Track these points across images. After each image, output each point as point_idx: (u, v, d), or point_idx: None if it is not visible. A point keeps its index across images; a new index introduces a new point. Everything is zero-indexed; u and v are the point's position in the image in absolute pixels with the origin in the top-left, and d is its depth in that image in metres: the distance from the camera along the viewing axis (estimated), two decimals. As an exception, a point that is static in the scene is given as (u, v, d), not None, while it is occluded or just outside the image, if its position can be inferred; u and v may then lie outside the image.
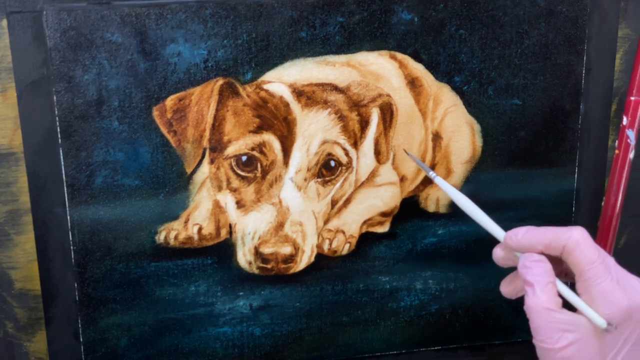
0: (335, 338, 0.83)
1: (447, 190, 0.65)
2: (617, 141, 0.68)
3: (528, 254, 0.60)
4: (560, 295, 0.59)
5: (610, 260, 0.59)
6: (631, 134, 0.67)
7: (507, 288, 0.64)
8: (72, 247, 0.74)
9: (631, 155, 0.68)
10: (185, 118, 0.73)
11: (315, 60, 0.74)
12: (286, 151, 0.76)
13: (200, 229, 0.76)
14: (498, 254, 0.63)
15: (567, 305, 0.59)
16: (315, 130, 0.76)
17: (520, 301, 0.59)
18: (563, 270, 0.62)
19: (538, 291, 0.58)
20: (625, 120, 0.67)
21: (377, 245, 0.81)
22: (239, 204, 0.77)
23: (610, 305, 0.57)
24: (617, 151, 0.68)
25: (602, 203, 0.70)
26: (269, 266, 0.78)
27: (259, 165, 0.76)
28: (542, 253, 0.60)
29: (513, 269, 0.63)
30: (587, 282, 0.58)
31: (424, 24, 0.75)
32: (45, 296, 0.76)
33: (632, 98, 0.67)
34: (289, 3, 0.72)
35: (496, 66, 0.78)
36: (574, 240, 0.58)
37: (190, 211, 0.76)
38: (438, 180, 0.65)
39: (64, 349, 0.77)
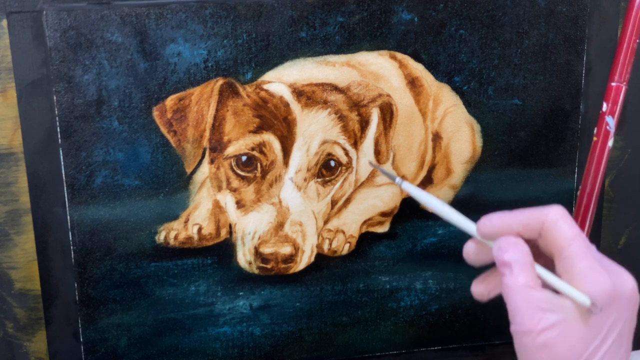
0: (335, 338, 0.83)
1: (415, 194, 0.61)
2: (595, 128, 0.66)
3: (504, 237, 0.56)
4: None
5: (591, 244, 0.55)
6: (611, 121, 0.66)
7: (479, 287, 0.59)
8: (72, 247, 0.74)
9: (610, 142, 0.66)
10: (185, 118, 0.73)
11: (315, 60, 0.74)
12: (286, 151, 0.76)
13: (200, 229, 0.76)
14: (470, 248, 0.59)
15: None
16: (315, 130, 0.76)
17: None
18: (541, 258, 0.57)
19: (516, 270, 0.53)
20: (605, 107, 0.65)
21: (377, 245, 0.81)
22: (239, 204, 0.77)
23: (593, 284, 0.52)
24: (595, 138, 0.66)
25: (578, 192, 0.68)
26: (269, 266, 0.78)
27: (258, 165, 0.76)
28: (521, 236, 0.56)
29: (486, 268, 0.60)
30: (567, 259, 0.53)
31: (424, 24, 0.75)
32: (45, 296, 0.76)
33: (613, 84, 0.65)
34: (289, 3, 0.72)
35: (496, 66, 0.78)
36: (552, 217, 0.54)
37: (190, 211, 0.76)
38: (405, 185, 0.62)
39: (64, 349, 0.77)
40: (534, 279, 0.54)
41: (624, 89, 0.65)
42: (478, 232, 0.57)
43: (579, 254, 0.53)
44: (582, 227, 0.68)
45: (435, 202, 0.61)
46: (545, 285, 0.54)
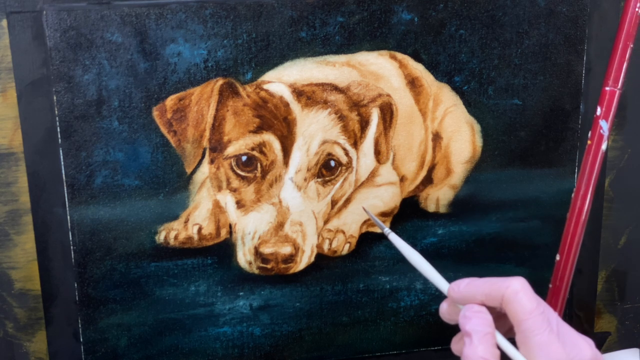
0: (335, 338, 0.83)
1: (400, 246, 0.64)
2: (590, 132, 0.66)
3: (469, 305, 0.58)
4: (500, 349, 0.57)
5: (552, 314, 0.57)
6: (604, 125, 0.66)
7: (457, 345, 0.61)
8: (72, 247, 0.74)
9: (604, 146, 0.66)
10: (185, 118, 0.73)
11: (315, 60, 0.74)
12: (286, 151, 0.76)
13: (200, 229, 0.76)
14: (443, 308, 0.61)
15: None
16: (315, 130, 0.76)
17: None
18: (508, 327, 0.59)
19: (475, 341, 0.56)
20: (599, 111, 0.66)
21: (377, 245, 0.81)
22: (239, 204, 0.77)
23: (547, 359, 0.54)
24: (589, 142, 0.67)
25: (572, 195, 0.68)
26: (269, 266, 0.78)
27: (258, 165, 0.76)
28: (485, 305, 0.58)
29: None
30: (524, 333, 0.55)
31: (424, 24, 0.75)
32: (45, 296, 0.76)
33: (607, 88, 0.66)
34: (289, 3, 0.72)
35: (496, 66, 0.78)
36: (513, 289, 0.56)
37: (190, 211, 0.76)
38: (392, 237, 0.65)
39: (64, 349, 0.77)
40: (492, 351, 0.55)
41: (617, 93, 0.66)
42: (450, 296, 0.60)
43: (535, 328, 0.55)
44: (575, 228, 0.69)
45: (417, 258, 0.63)
46: (505, 357, 0.56)
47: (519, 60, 0.78)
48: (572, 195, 0.69)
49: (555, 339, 0.55)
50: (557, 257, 0.70)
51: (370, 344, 0.84)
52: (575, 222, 0.68)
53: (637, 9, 0.65)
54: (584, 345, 0.56)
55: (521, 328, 0.55)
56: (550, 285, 0.71)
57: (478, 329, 0.56)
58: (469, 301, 0.58)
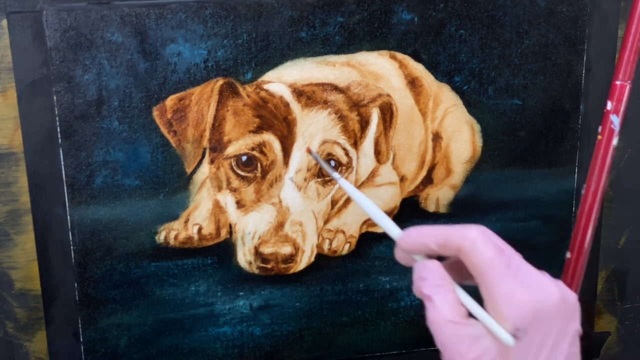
0: (335, 338, 0.83)
1: (349, 191, 0.61)
2: (600, 127, 0.65)
3: (422, 264, 0.55)
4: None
5: (514, 258, 0.53)
6: (615, 119, 0.65)
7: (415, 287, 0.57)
8: (72, 247, 0.74)
9: (614, 141, 0.65)
10: (185, 118, 0.73)
11: (315, 60, 0.74)
12: (286, 151, 0.76)
13: (200, 229, 0.76)
14: (397, 255, 0.58)
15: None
16: (315, 130, 0.76)
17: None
18: (467, 275, 0.55)
19: (438, 304, 0.53)
20: (609, 105, 0.65)
21: (377, 245, 0.81)
22: (239, 204, 0.77)
23: (513, 309, 0.51)
24: (599, 137, 0.66)
25: (583, 190, 0.67)
26: (269, 266, 0.78)
27: (259, 165, 0.76)
28: (440, 256, 0.55)
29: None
30: (487, 284, 0.52)
31: (424, 24, 0.75)
32: (45, 296, 0.76)
33: (618, 82, 0.65)
34: (289, 3, 0.72)
35: (496, 66, 0.78)
36: (470, 240, 0.52)
37: (190, 211, 0.76)
38: (342, 182, 0.61)
39: (64, 349, 0.77)
40: (457, 310, 0.53)
41: (628, 87, 0.65)
42: (399, 247, 0.57)
43: (496, 278, 0.52)
44: (586, 226, 0.67)
45: (367, 203, 0.60)
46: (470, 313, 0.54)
47: (519, 60, 0.78)
48: (583, 191, 0.67)
49: (520, 285, 0.52)
50: (568, 255, 0.68)
51: (370, 344, 0.84)
52: (586, 219, 0.67)
53: None
54: (551, 287, 0.53)
55: (483, 280, 0.52)
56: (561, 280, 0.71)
57: (437, 289, 0.53)
58: (422, 252, 0.55)
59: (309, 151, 0.72)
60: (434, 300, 0.53)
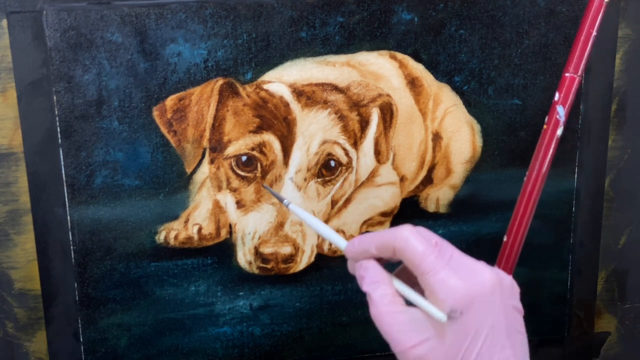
0: (335, 338, 0.83)
1: (300, 215, 0.64)
2: (547, 117, 0.67)
3: (359, 264, 0.59)
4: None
5: (447, 249, 0.57)
6: (561, 110, 0.67)
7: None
8: (72, 247, 0.74)
9: (559, 132, 0.67)
10: (185, 118, 0.73)
11: (315, 60, 0.74)
12: (286, 151, 0.76)
13: (200, 229, 0.76)
14: (349, 266, 0.62)
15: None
16: (315, 130, 0.76)
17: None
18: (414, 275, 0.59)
19: (375, 298, 0.57)
20: (557, 96, 0.67)
21: (377, 245, 0.81)
22: (239, 204, 0.77)
23: (447, 293, 0.54)
24: (545, 126, 0.68)
25: (525, 178, 0.69)
26: (269, 266, 0.78)
27: (258, 165, 0.76)
28: (381, 258, 0.59)
29: None
30: (423, 276, 0.55)
31: (424, 24, 0.75)
32: (45, 296, 0.76)
33: (567, 75, 0.66)
34: (289, 3, 0.72)
35: (496, 66, 0.78)
36: (402, 238, 0.56)
37: (190, 211, 0.76)
38: (292, 207, 0.64)
39: (64, 349, 0.77)
40: (393, 301, 0.57)
41: (577, 80, 0.67)
42: (346, 256, 0.60)
43: (430, 268, 0.55)
44: (524, 213, 0.69)
45: (317, 224, 0.63)
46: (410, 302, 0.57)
47: (519, 60, 0.78)
48: (525, 178, 0.69)
49: (453, 273, 0.55)
50: (505, 239, 0.70)
51: (370, 344, 0.84)
52: (524, 205, 0.69)
53: None
54: (484, 271, 0.56)
55: (419, 272, 0.56)
56: (496, 266, 0.71)
57: (373, 285, 0.57)
58: (365, 257, 0.59)
59: (263, 185, 0.74)
60: (372, 296, 0.57)
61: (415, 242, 0.56)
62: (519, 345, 0.56)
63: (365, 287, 0.58)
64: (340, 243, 0.61)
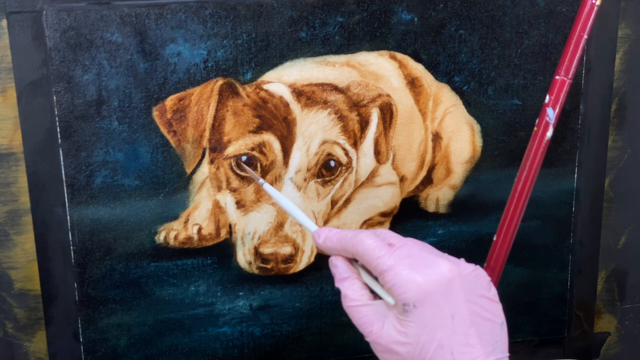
0: (335, 338, 0.83)
1: (272, 194, 0.69)
2: (537, 119, 0.68)
3: (329, 260, 0.63)
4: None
5: (404, 249, 0.60)
6: (551, 113, 0.67)
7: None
8: (72, 247, 0.74)
9: (549, 134, 0.68)
10: (185, 118, 0.73)
11: (315, 60, 0.74)
12: (286, 151, 0.76)
13: (200, 229, 0.76)
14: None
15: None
16: (315, 130, 0.76)
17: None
18: None
19: (346, 292, 0.61)
20: (547, 99, 0.68)
21: (377, 245, 0.81)
22: (239, 204, 0.77)
23: (400, 288, 0.58)
24: (535, 128, 0.69)
25: (515, 179, 0.70)
26: (268, 266, 0.78)
27: (258, 165, 0.76)
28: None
29: None
30: (381, 275, 0.59)
31: (424, 24, 0.75)
32: (45, 296, 0.76)
33: (558, 77, 0.67)
34: (289, 3, 0.72)
35: (496, 66, 0.78)
36: (360, 242, 0.60)
37: (190, 211, 0.76)
38: (266, 186, 0.69)
39: (64, 349, 0.77)
40: (359, 294, 0.61)
41: (568, 83, 0.67)
42: (314, 242, 0.65)
43: (387, 267, 0.59)
44: (514, 213, 0.70)
45: (287, 203, 0.68)
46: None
47: (519, 60, 0.78)
48: (515, 179, 0.70)
49: (407, 268, 0.58)
50: (494, 238, 0.71)
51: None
52: (514, 206, 0.70)
53: (593, 1, 0.66)
54: (441, 264, 0.58)
55: (377, 272, 0.59)
56: (485, 265, 0.71)
57: (344, 282, 0.61)
58: (332, 253, 0.63)
59: (239, 163, 0.76)
60: (341, 291, 0.61)
61: (370, 243, 0.60)
62: (486, 332, 0.58)
63: (336, 283, 0.62)
64: (310, 226, 0.65)
